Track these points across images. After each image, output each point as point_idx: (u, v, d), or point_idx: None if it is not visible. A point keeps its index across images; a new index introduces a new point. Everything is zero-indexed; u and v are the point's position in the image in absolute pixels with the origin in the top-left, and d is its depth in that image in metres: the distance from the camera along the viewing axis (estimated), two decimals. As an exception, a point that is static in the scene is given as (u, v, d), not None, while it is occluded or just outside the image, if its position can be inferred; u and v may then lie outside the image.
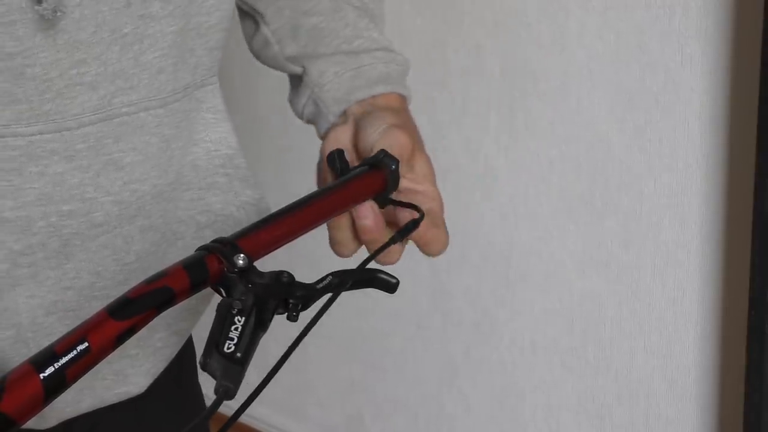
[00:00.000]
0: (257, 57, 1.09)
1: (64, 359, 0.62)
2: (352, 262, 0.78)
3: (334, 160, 0.85)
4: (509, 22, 1.83)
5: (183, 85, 0.90)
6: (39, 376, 0.61)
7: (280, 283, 0.72)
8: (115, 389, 0.95)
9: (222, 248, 0.71)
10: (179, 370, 1.04)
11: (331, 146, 0.88)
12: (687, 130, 1.70)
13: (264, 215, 1.01)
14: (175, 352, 1.01)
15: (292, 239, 0.78)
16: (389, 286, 0.80)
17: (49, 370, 0.61)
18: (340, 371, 2.23)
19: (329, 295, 0.74)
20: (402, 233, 0.80)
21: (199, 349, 1.11)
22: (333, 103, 0.95)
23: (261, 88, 2.19)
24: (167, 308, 0.67)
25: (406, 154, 0.84)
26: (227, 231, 0.97)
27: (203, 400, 1.11)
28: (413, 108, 0.95)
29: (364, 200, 0.82)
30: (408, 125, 0.89)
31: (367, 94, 0.92)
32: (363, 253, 0.81)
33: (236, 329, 0.68)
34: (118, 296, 0.65)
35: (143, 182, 0.89)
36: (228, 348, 0.68)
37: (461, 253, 1.98)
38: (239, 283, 0.70)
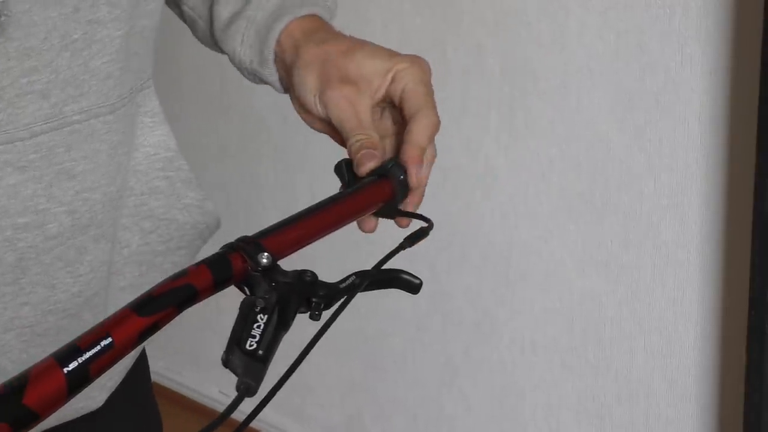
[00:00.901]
0: (206, 45, 1.10)
1: (88, 354, 0.62)
2: (373, 261, 0.78)
3: (341, 170, 0.85)
4: (509, 22, 1.83)
5: (128, 90, 0.89)
6: (63, 371, 0.60)
7: (303, 282, 0.72)
8: (74, 404, 0.94)
9: (246, 247, 0.71)
10: (134, 382, 1.02)
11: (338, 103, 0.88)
12: (687, 129, 1.69)
13: (208, 217, 1.00)
14: (131, 365, 1.00)
15: (315, 240, 0.77)
16: (412, 286, 0.79)
17: (73, 365, 0.61)
18: (341, 372, 2.23)
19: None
20: (411, 240, 0.80)
21: (153, 360, 1.11)
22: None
23: (260, 87, 2.19)
24: (189, 306, 0.67)
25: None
26: (172, 235, 0.96)
27: (158, 412, 1.09)
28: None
29: (374, 208, 0.83)
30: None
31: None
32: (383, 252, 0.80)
33: (258, 327, 0.68)
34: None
35: (94, 191, 0.87)
36: (250, 345, 0.68)
37: (461, 253, 1.98)
38: (263, 281, 0.71)
